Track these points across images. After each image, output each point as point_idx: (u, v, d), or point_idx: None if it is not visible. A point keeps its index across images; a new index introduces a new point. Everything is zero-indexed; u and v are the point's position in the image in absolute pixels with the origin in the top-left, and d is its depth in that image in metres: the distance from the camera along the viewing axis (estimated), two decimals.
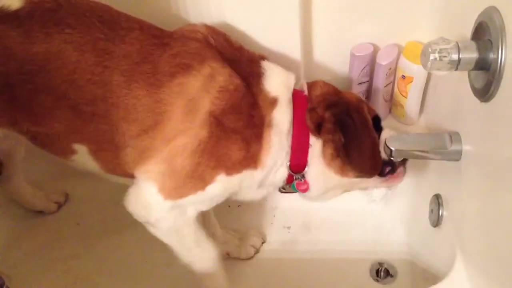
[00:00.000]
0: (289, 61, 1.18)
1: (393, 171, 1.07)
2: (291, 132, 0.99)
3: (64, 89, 0.86)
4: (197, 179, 0.91)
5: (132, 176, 0.95)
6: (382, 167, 1.04)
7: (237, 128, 0.91)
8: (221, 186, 0.94)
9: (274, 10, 1.11)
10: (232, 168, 0.93)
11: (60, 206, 1.41)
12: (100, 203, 1.41)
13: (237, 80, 0.92)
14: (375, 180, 1.06)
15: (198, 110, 0.89)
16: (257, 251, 1.32)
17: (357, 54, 1.20)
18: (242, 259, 1.30)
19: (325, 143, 1.00)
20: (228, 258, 1.29)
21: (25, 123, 0.92)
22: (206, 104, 0.89)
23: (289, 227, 1.38)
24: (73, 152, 0.95)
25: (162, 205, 0.92)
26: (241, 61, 0.99)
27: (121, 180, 0.99)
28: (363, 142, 0.98)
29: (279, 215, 1.40)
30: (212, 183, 0.92)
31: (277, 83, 0.99)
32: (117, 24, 0.89)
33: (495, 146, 0.76)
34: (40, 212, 1.38)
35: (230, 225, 1.33)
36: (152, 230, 0.98)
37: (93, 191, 1.39)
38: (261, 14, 1.13)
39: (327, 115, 0.98)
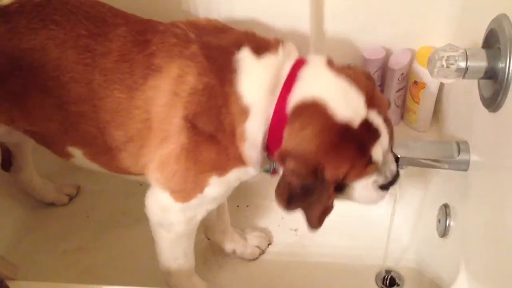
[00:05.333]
0: None
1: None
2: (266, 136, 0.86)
3: (50, 87, 0.86)
4: (192, 183, 0.91)
5: (139, 173, 0.96)
6: None
7: (211, 131, 0.86)
8: (218, 186, 0.92)
9: (285, 10, 1.11)
10: (221, 169, 0.90)
11: (71, 198, 1.43)
12: (111, 196, 1.43)
13: (206, 78, 0.83)
14: None
15: (173, 116, 0.86)
16: (262, 252, 1.31)
17: (369, 57, 1.18)
18: (247, 259, 1.30)
19: None
20: (233, 257, 1.29)
21: (21, 121, 0.92)
22: (179, 109, 0.85)
23: (296, 230, 1.37)
24: (70, 155, 0.95)
25: (175, 208, 0.94)
26: (220, 49, 0.85)
27: (130, 177, 1.00)
28: (309, 211, 0.86)
29: (287, 217, 1.39)
30: (207, 186, 0.91)
31: (254, 86, 0.84)
32: (103, 21, 0.87)
33: (502, 157, 0.74)
34: (51, 204, 1.41)
35: (238, 225, 1.33)
36: (163, 233, 0.99)
37: (104, 185, 1.41)
38: (270, 12, 1.12)
39: (285, 166, 0.80)
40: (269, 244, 1.33)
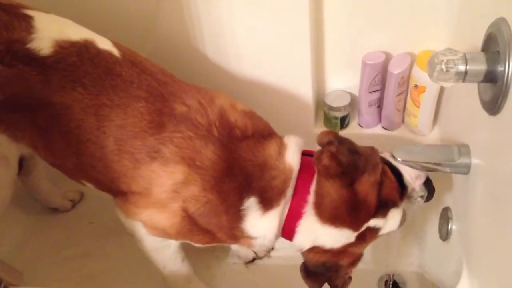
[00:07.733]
0: (299, 66, 1.19)
1: None
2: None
3: (71, 138, 0.91)
4: (173, 238, 1.00)
5: None
6: None
7: (207, 228, 0.93)
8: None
9: (285, 16, 1.11)
10: (202, 243, 1.00)
11: (74, 204, 1.44)
12: (114, 203, 1.43)
13: (211, 196, 0.88)
14: None
15: (171, 202, 0.90)
16: (257, 256, 1.32)
17: (369, 62, 1.19)
18: (244, 262, 1.32)
19: None
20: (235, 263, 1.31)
21: (42, 151, 0.98)
22: (178, 201, 0.90)
23: None
24: (83, 184, 1.02)
25: (144, 233, 0.99)
26: (232, 178, 0.89)
27: None
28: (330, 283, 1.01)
29: None
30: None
31: (260, 232, 0.94)
32: (126, 92, 0.90)
33: (503, 160, 0.74)
34: (55, 210, 1.41)
35: None
36: (137, 242, 1.04)
37: None
38: (270, 20, 1.13)
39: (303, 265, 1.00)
40: (272, 249, 1.34)
